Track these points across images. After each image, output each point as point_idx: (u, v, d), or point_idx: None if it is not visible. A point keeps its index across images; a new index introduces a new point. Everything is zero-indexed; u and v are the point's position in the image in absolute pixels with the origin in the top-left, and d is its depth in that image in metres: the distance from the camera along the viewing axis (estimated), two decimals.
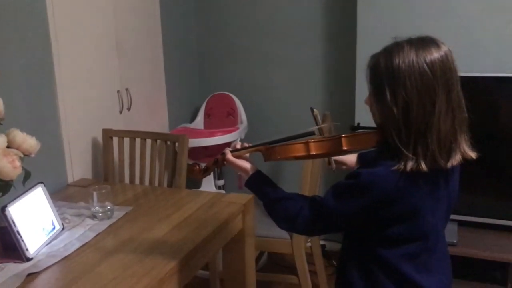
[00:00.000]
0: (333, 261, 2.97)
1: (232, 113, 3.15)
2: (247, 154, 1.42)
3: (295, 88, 3.11)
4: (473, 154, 1.17)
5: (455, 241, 2.29)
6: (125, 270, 1.44)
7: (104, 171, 2.38)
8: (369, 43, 2.45)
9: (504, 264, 2.26)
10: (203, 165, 1.50)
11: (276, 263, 2.99)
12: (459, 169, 1.26)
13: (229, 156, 1.41)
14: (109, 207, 1.81)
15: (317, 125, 1.39)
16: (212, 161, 1.47)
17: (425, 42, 1.13)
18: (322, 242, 3.00)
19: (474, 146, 1.19)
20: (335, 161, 1.52)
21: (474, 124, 1.21)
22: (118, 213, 1.84)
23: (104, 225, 1.75)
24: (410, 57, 1.11)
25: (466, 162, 1.18)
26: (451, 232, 2.33)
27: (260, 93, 3.22)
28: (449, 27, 2.40)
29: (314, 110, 1.41)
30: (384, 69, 1.13)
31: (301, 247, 2.35)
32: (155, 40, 2.83)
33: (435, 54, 1.11)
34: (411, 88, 1.10)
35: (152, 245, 1.60)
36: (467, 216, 2.37)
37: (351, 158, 1.52)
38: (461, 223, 2.40)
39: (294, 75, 3.11)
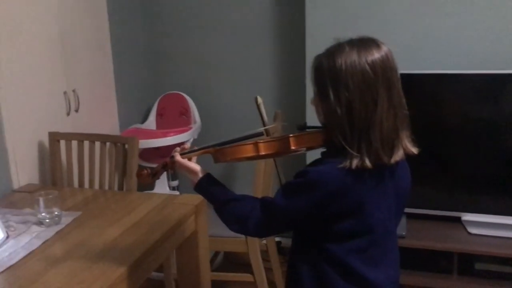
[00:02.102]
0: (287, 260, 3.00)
1: (185, 112, 3.13)
2: (196, 157, 1.41)
3: (246, 87, 3.12)
4: (414, 150, 1.22)
5: (403, 233, 2.37)
6: (73, 277, 1.40)
7: (52, 176, 2.31)
8: (318, 43, 2.49)
9: (449, 254, 2.35)
10: (153, 166, 1.48)
11: (232, 262, 3.00)
12: (407, 166, 1.30)
13: (178, 158, 1.39)
14: (56, 213, 1.76)
15: (261, 115, 1.37)
16: (160, 165, 1.45)
17: (366, 43, 1.17)
18: (277, 239, 3.03)
19: (417, 141, 1.23)
20: None
21: (418, 119, 1.25)
22: (67, 219, 1.79)
23: (51, 231, 1.70)
24: (352, 57, 1.14)
25: (408, 157, 1.23)
26: (400, 225, 2.38)
27: (212, 92, 3.21)
28: (392, 26, 2.48)
29: (258, 98, 1.38)
30: (327, 70, 1.16)
31: (255, 245, 2.36)
32: (103, 39, 2.77)
33: (376, 54, 1.15)
34: (353, 87, 1.13)
35: (102, 251, 1.56)
36: (414, 209, 2.45)
37: None
38: (409, 216, 2.48)
39: (245, 75, 3.12)
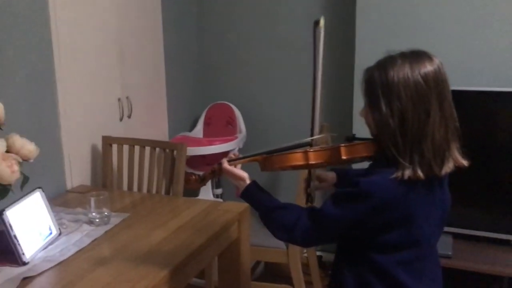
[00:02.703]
0: (330, 272, 2.97)
1: (231, 122, 3.18)
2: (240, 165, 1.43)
3: (293, 98, 3.13)
4: (465, 162, 1.22)
5: (450, 253, 2.30)
6: (119, 275, 1.45)
7: (103, 178, 2.40)
8: (367, 55, 2.49)
9: (498, 278, 2.26)
10: (200, 173, 1.52)
11: (272, 273, 3.00)
12: (447, 178, 1.29)
13: (226, 165, 1.42)
14: (106, 213, 1.83)
15: (314, 41, 1.30)
16: (209, 171, 1.47)
17: (418, 55, 1.18)
18: (318, 253, 3.00)
19: (467, 155, 1.23)
20: (318, 177, 1.53)
21: (469, 137, 1.24)
22: (115, 220, 1.86)
23: (100, 231, 1.76)
24: (404, 70, 1.15)
25: (458, 169, 1.22)
26: (446, 245, 2.34)
27: (259, 103, 3.25)
28: (446, 39, 2.43)
29: (321, 20, 1.31)
30: (379, 82, 1.18)
31: (296, 257, 2.36)
32: (156, 48, 2.87)
33: (428, 67, 1.16)
34: (405, 99, 1.14)
35: (147, 252, 1.61)
36: (462, 229, 2.38)
37: (332, 175, 1.55)
38: (456, 236, 2.41)
39: (293, 86, 3.13)
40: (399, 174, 1.15)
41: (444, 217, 1.30)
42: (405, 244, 1.22)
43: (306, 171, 1.47)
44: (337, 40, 2.96)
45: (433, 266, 1.30)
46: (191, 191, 2.91)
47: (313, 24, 1.33)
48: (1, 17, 1.87)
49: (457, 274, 2.24)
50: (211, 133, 3.18)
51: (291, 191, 2.23)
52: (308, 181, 1.49)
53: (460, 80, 2.31)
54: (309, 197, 1.47)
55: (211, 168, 1.47)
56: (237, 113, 3.18)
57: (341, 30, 2.92)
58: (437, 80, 1.16)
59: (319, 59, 1.34)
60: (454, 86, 1.55)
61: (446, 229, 2.37)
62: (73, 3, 2.22)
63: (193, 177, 1.50)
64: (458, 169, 1.22)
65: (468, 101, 2.29)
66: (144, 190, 2.38)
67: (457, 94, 1.23)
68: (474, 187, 2.30)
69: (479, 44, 2.40)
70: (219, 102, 3.25)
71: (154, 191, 2.38)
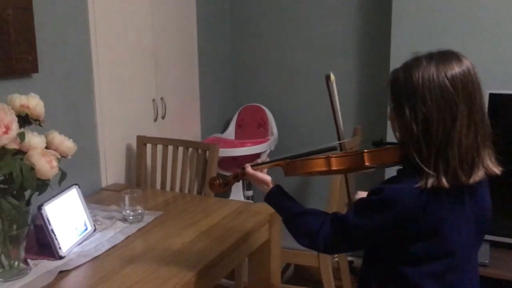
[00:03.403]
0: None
1: (263, 124, 3.18)
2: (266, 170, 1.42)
3: (326, 100, 3.10)
4: (497, 170, 1.15)
5: (486, 261, 2.24)
6: (151, 272, 1.47)
7: (137, 177, 2.44)
8: (403, 57, 2.45)
9: None
10: (223, 180, 1.50)
11: (302, 276, 2.98)
12: (487, 185, 1.23)
13: (249, 169, 1.41)
14: (139, 211, 1.86)
15: (330, 94, 1.32)
16: (232, 175, 1.47)
17: (446, 56, 1.13)
18: (350, 258, 2.97)
19: (503, 162, 1.17)
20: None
21: (507, 142, 1.19)
22: (148, 218, 1.88)
23: (134, 228, 1.79)
24: (430, 71, 1.10)
25: (490, 178, 1.17)
26: (482, 253, 2.28)
27: (291, 105, 3.24)
28: (482, 40, 2.37)
29: (331, 75, 1.33)
30: (403, 84, 1.14)
31: (327, 261, 2.33)
32: (191, 51, 2.91)
33: (456, 69, 1.10)
34: (430, 103, 1.09)
35: (179, 250, 1.63)
36: (499, 237, 2.31)
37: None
38: (493, 244, 2.34)
39: (325, 89, 3.10)
40: (422, 183, 1.10)
41: (481, 227, 1.23)
42: (434, 255, 1.16)
43: (342, 178, 1.45)
44: (373, 41, 2.93)
45: (469, 278, 1.23)
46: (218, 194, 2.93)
47: (325, 78, 1.35)
48: (41, 16, 1.93)
49: (493, 283, 2.18)
50: (243, 135, 3.19)
51: (322, 196, 2.22)
52: (349, 200, 1.47)
53: (497, 83, 2.25)
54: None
55: (233, 173, 1.47)
56: (269, 115, 3.19)
57: (376, 31, 2.89)
58: (466, 82, 1.09)
59: (337, 107, 1.35)
60: (490, 89, 1.51)
61: None
62: (110, 2, 2.27)
63: (217, 181, 1.49)
64: (490, 177, 1.16)
65: (505, 104, 2.23)
66: (177, 189, 2.41)
67: (493, 97, 1.18)
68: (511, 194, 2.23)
69: None
70: (251, 104, 3.26)
71: (186, 190, 2.41)
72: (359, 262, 3.03)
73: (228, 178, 1.49)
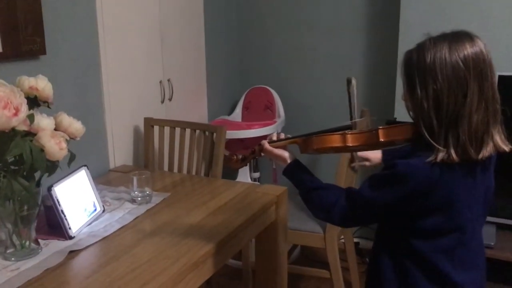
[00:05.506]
0: (367, 259, 2.96)
1: (270, 106, 3.18)
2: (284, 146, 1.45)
3: (333, 83, 3.10)
4: (506, 147, 1.17)
5: (492, 243, 2.25)
6: (160, 252, 1.49)
7: (145, 159, 2.45)
8: (411, 39, 2.43)
9: None
10: (240, 156, 1.54)
11: (308, 257, 3.01)
12: (494, 164, 1.25)
13: (267, 146, 1.44)
14: (148, 192, 1.88)
15: (349, 97, 1.35)
16: (250, 151, 1.50)
17: (458, 37, 1.14)
18: (356, 240, 2.99)
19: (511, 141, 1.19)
20: (360, 156, 1.52)
21: None
22: (156, 199, 1.90)
23: (142, 209, 1.81)
24: (442, 51, 1.12)
25: (499, 154, 1.19)
26: (489, 234, 2.29)
27: (298, 87, 3.23)
28: (494, 23, 2.34)
29: (353, 79, 1.36)
30: (415, 64, 1.16)
31: (333, 241, 2.35)
32: (197, 33, 2.89)
33: (469, 49, 1.12)
34: (442, 80, 1.12)
35: (187, 230, 1.65)
36: (505, 219, 2.31)
37: (375, 154, 1.54)
38: (499, 226, 2.35)
39: (333, 70, 3.10)
40: (433, 157, 1.13)
41: (487, 204, 1.26)
42: (445, 230, 1.19)
43: (348, 154, 1.47)
44: (381, 24, 2.90)
45: (476, 254, 1.27)
46: (229, 173, 2.94)
47: (346, 82, 1.36)
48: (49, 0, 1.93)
49: (499, 265, 2.19)
50: (250, 117, 3.19)
51: (330, 175, 2.22)
52: (352, 156, 1.51)
53: (509, 66, 2.23)
54: (353, 170, 1.47)
55: (251, 149, 1.49)
56: (276, 97, 3.18)
57: (385, 13, 2.86)
58: (478, 60, 1.12)
59: (355, 111, 1.36)
60: (502, 72, 1.48)
61: (489, 219, 2.33)
62: None
63: (234, 157, 1.54)
64: (501, 155, 1.18)
65: None
66: (184, 171, 2.43)
67: (505, 79, 1.19)
68: None
69: None
70: (258, 86, 3.25)
71: (193, 172, 2.42)
72: (365, 244, 3.06)
73: (246, 154, 1.52)
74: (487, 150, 1.14)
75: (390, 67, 2.73)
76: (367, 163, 1.54)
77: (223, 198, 1.93)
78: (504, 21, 2.33)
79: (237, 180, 3.03)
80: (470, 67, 1.11)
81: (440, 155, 1.12)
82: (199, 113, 2.97)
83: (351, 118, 1.37)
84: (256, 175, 3.25)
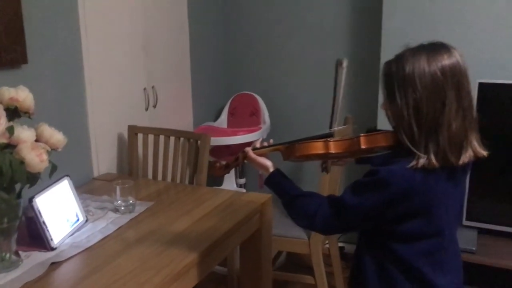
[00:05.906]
0: (351, 262, 2.97)
1: (255, 112, 3.19)
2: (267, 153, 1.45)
3: (319, 89, 3.12)
4: (484, 152, 1.21)
5: (474, 248, 2.27)
6: (144, 262, 1.49)
7: (129, 166, 2.44)
8: (393, 48, 2.46)
9: None
10: (224, 163, 1.54)
11: (293, 263, 3.02)
12: (469, 169, 1.29)
13: (251, 153, 1.45)
14: (131, 202, 1.87)
15: (336, 78, 1.35)
16: (233, 159, 1.51)
17: (436, 48, 1.18)
18: (340, 244, 3.00)
19: (490, 147, 1.22)
20: None
21: (496, 129, 1.23)
22: (140, 208, 1.89)
23: (125, 219, 1.80)
24: (421, 62, 1.16)
25: (481, 162, 1.22)
26: (470, 240, 2.31)
27: (283, 93, 3.25)
28: (473, 32, 2.38)
29: (344, 61, 1.37)
30: (395, 75, 1.19)
31: (318, 247, 2.36)
32: (182, 39, 2.89)
33: (446, 60, 1.16)
34: (421, 90, 1.15)
35: (171, 239, 1.64)
36: (486, 224, 2.34)
37: None
38: (480, 231, 2.38)
39: (317, 77, 3.12)
40: (414, 163, 1.16)
41: (461, 208, 1.32)
42: (425, 234, 1.23)
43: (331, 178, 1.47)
44: (363, 33, 2.93)
45: (454, 257, 1.31)
46: (214, 180, 2.94)
47: (336, 63, 1.38)
48: (29, 6, 1.91)
49: (481, 270, 2.22)
50: (235, 124, 3.20)
51: (313, 183, 2.24)
52: (237, 157, 1.52)
53: (488, 73, 2.26)
54: (325, 169, 1.48)
55: (235, 156, 1.50)
56: (261, 103, 3.19)
57: (367, 22, 2.89)
58: (455, 71, 1.16)
59: (340, 96, 1.39)
60: (481, 79, 1.50)
61: (470, 223, 2.36)
62: None
63: (218, 164, 1.54)
64: (478, 160, 1.22)
65: (495, 93, 2.24)
66: (169, 179, 2.42)
67: (485, 86, 1.22)
68: (500, 181, 2.25)
69: (506, 37, 2.34)
70: (243, 92, 3.25)
71: (178, 180, 2.42)
72: (349, 248, 3.08)
73: (229, 161, 1.53)
74: (466, 156, 1.18)
75: (373, 76, 2.76)
76: (340, 162, 1.55)
77: (208, 206, 1.93)
78: (485, 31, 2.37)
79: (223, 186, 3.03)
80: (448, 77, 1.15)
81: (421, 161, 1.16)
82: (184, 120, 2.97)
83: (332, 123, 1.38)
84: (242, 181, 3.25)
